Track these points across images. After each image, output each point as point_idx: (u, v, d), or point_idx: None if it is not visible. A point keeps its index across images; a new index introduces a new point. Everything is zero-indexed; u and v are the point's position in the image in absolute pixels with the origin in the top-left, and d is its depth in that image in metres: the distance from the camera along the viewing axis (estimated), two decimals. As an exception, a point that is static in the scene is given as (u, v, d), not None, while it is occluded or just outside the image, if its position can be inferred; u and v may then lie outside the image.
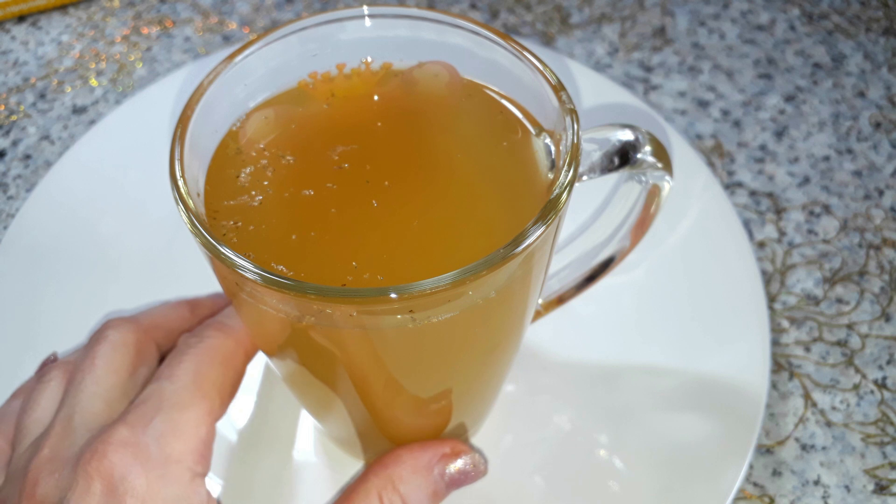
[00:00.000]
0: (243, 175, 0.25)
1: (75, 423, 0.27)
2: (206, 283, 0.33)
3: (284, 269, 0.22)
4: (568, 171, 0.22)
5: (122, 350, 0.29)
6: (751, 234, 0.43)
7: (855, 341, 0.39)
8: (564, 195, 0.22)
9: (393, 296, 0.19)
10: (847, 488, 0.34)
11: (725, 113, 0.49)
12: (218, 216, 0.24)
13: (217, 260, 0.21)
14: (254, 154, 0.26)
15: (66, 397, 0.28)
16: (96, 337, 0.30)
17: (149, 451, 0.25)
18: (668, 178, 0.28)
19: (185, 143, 0.23)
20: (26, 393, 0.31)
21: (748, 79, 0.52)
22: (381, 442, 0.32)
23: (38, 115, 0.49)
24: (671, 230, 0.40)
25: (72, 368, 0.30)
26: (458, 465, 0.28)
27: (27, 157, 0.46)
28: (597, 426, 0.34)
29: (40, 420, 0.28)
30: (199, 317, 0.33)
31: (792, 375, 0.38)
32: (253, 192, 0.24)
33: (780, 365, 0.38)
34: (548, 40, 0.54)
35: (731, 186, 0.45)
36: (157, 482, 0.25)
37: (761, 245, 0.43)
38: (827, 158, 0.47)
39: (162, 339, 0.31)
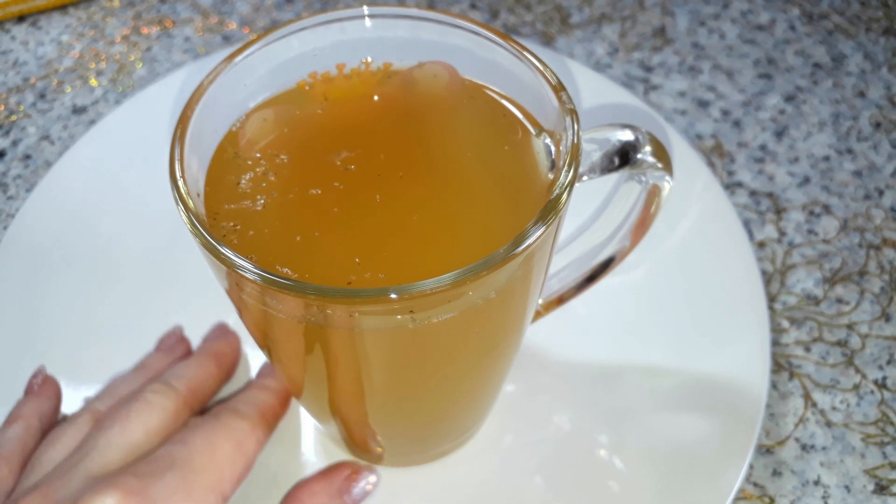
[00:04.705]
0: (244, 177, 0.25)
1: (80, 467, 0.26)
2: (206, 283, 0.33)
3: (289, 272, 0.22)
4: (568, 171, 0.22)
5: (159, 414, 0.29)
6: (751, 234, 0.43)
7: (855, 341, 0.39)
8: (564, 195, 0.22)
9: (393, 296, 0.19)
10: (847, 488, 0.34)
11: (725, 113, 0.49)
12: (218, 217, 0.24)
13: (217, 260, 0.21)
14: (254, 155, 0.26)
15: (87, 438, 0.28)
16: (136, 395, 0.30)
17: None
18: (668, 178, 0.28)
19: (185, 143, 0.23)
20: (25, 419, 0.30)
21: (748, 79, 0.52)
22: (380, 442, 0.32)
23: (38, 115, 0.49)
24: (671, 230, 0.40)
25: (101, 416, 0.29)
26: (360, 484, 0.31)
27: (27, 157, 0.46)
28: (597, 426, 0.34)
29: (53, 459, 0.28)
30: (225, 368, 0.33)
31: (792, 375, 0.38)
32: (254, 193, 0.24)
33: (780, 365, 0.38)
34: (548, 40, 0.54)
35: (731, 186, 0.45)
36: None
37: (761, 245, 0.43)
38: (827, 158, 0.47)
39: (196, 405, 0.32)
